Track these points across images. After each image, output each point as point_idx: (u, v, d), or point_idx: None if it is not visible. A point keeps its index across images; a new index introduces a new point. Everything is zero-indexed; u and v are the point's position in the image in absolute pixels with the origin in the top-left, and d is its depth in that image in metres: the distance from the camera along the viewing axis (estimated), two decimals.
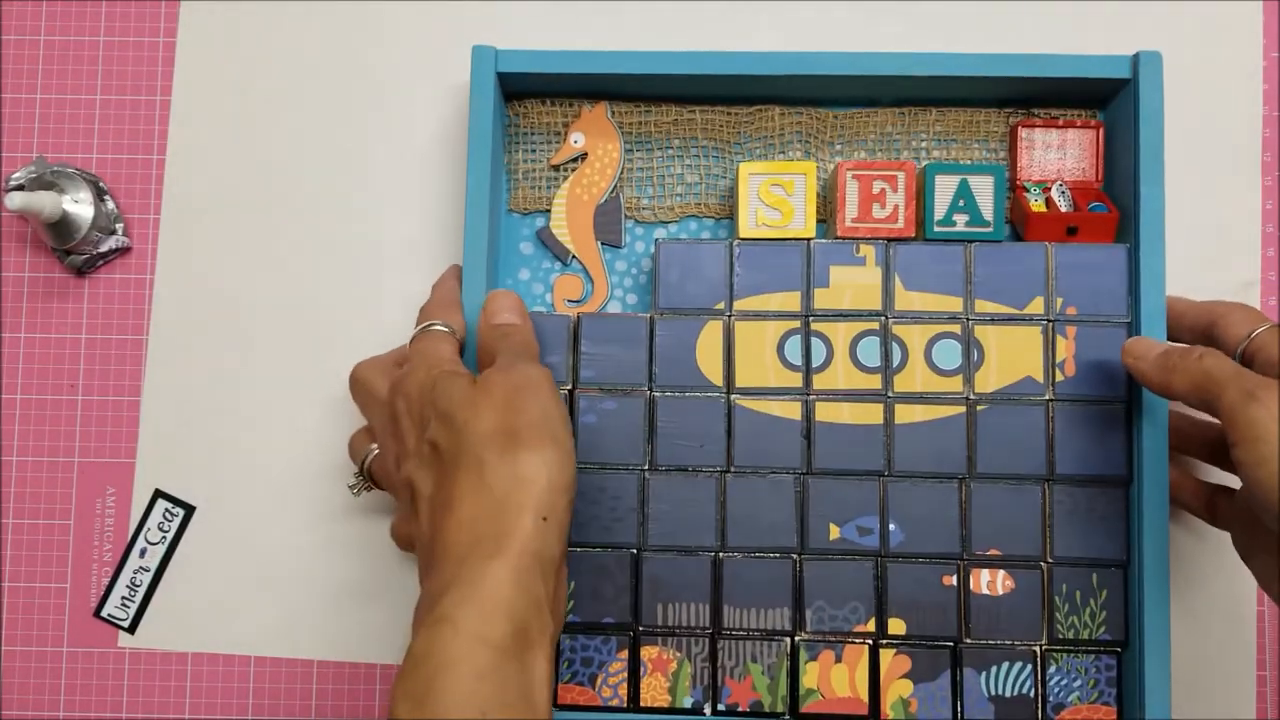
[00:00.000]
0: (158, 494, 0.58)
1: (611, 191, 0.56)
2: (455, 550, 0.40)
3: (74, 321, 0.59)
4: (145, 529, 0.58)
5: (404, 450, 0.45)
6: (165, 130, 0.60)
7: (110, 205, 0.58)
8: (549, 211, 0.56)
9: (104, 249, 0.58)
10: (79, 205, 0.56)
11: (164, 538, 0.58)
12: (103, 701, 0.57)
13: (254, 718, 0.57)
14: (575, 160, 0.56)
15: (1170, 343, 0.49)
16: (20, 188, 0.56)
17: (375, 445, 0.50)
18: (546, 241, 0.56)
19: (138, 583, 0.58)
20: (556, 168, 0.57)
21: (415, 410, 0.45)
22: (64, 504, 0.58)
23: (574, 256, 0.56)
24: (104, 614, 0.58)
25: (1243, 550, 0.49)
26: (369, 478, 0.51)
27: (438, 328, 0.49)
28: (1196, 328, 0.50)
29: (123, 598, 0.58)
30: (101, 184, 0.58)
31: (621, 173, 0.55)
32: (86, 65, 0.60)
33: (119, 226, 0.58)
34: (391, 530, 0.51)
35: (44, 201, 0.54)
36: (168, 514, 0.58)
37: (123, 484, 0.58)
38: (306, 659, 0.57)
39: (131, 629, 0.58)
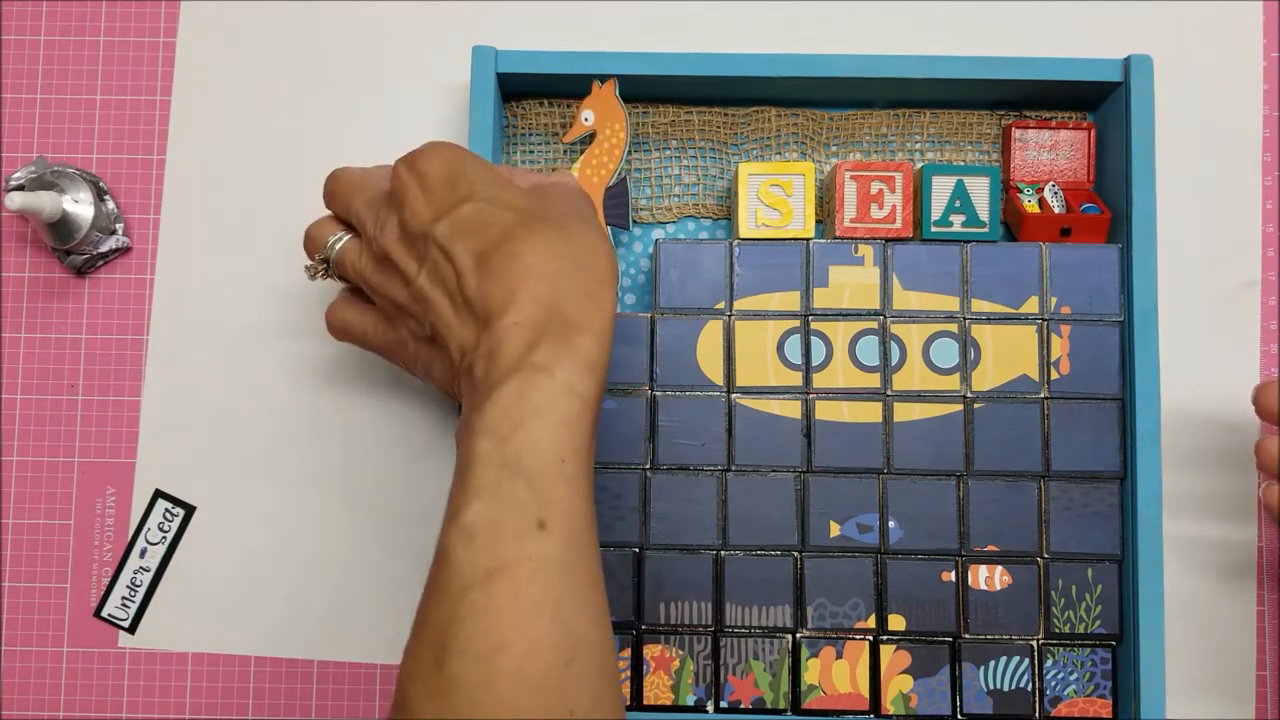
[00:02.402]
0: (158, 494, 0.58)
1: (620, 173, 0.55)
2: (542, 303, 0.40)
3: (74, 321, 0.59)
4: (145, 529, 0.58)
5: (415, 220, 0.43)
6: (165, 130, 0.60)
7: (110, 205, 0.58)
8: None
9: (104, 249, 0.58)
10: (79, 205, 0.56)
11: (164, 538, 0.58)
12: (103, 701, 0.57)
13: (254, 718, 0.57)
14: (582, 142, 0.56)
15: None
16: (20, 188, 0.56)
17: (342, 233, 0.48)
18: None
19: (138, 583, 0.58)
20: (569, 147, 0.57)
21: (440, 178, 0.44)
22: (64, 504, 0.58)
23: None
24: (104, 614, 0.58)
25: None
26: (331, 266, 0.48)
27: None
28: None
29: (123, 598, 0.58)
30: (101, 184, 0.58)
31: (630, 152, 0.54)
32: (86, 65, 0.60)
33: (119, 226, 0.58)
34: (330, 316, 0.50)
35: (44, 201, 0.54)
36: (168, 514, 0.58)
37: (123, 484, 0.58)
38: (306, 659, 0.57)
39: (132, 629, 0.58)
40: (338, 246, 0.48)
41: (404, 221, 0.44)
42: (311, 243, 0.49)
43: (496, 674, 0.35)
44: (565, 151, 0.58)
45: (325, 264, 0.48)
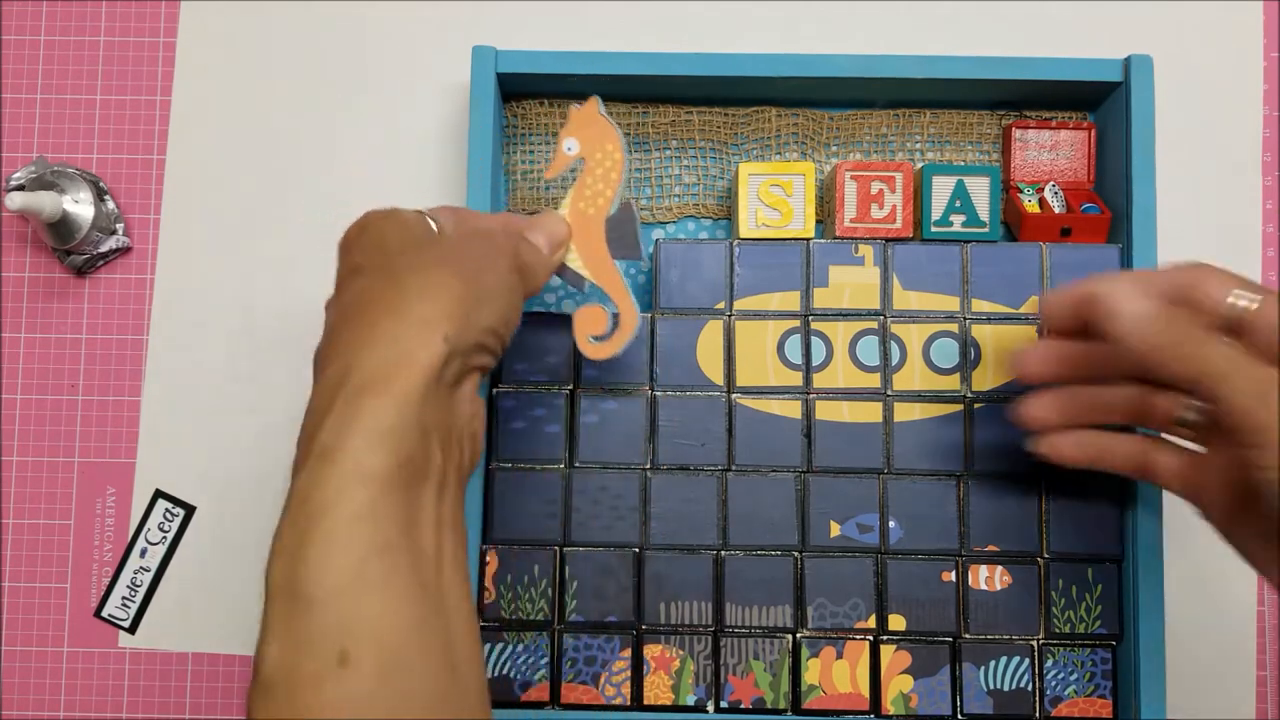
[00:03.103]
0: (158, 494, 0.58)
1: (620, 198, 0.47)
2: (342, 363, 0.36)
3: (74, 321, 0.59)
4: (145, 529, 0.58)
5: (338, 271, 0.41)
6: (165, 130, 0.60)
7: (110, 205, 0.58)
8: None
9: (104, 249, 0.58)
10: (79, 205, 0.56)
11: (164, 538, 0.58)
12: (103, 701, 0.57)
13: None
14: (573, 170, 0.48)
15: (1154, 293, 0.42)
16: (20, 188, 0.56)
17: None
18: (561, 275, 0.47)
19: (138, 583, 0.58)
20: (554, 182, 0.55)
21: (353, 239, 0.41)
22: (64, 504, 0.58)
23: (590, 282, 0.47)
24: (104, 614, 0.58)
25: (1224, 530, 0.44)
26: None
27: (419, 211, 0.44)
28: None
29: (123, 598, 0.58)
30: (102, 184, 0.58)
31: (630, 173, 0.49)
32: (86, 65, 0.60)
33: (119, 226, 0.58)
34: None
35: (44, 201, 0.54)
36: (168, 514, 0.58)
37: (123, 484, 0.58)
38: None
39: (132, 629, 0.58)
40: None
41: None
42: None
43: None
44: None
45: None
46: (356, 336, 0.36)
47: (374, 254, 0.39)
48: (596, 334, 0.47)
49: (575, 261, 0.47)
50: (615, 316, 0.47)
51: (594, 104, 0.47)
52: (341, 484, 0.33)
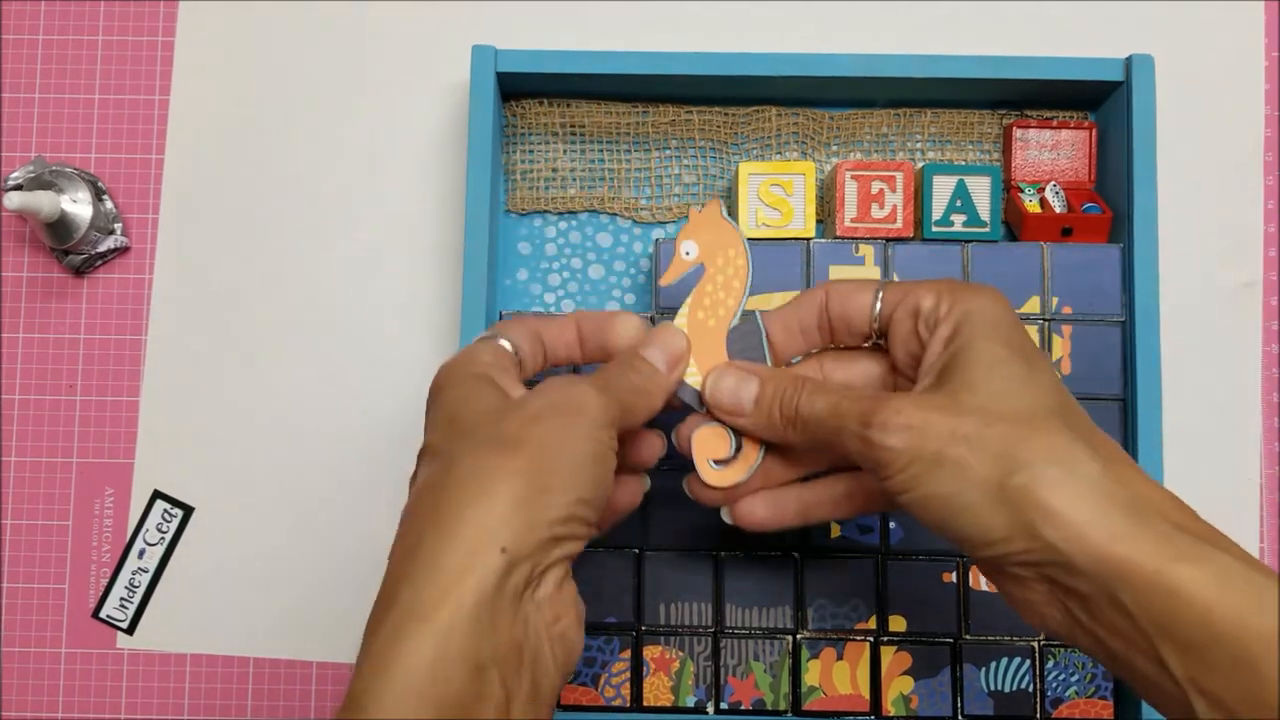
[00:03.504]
0: (156, 494, 0.58)
1: (743, 307, 0.43)
2: (382, 597, 0.33)
3: (73, 322, 0.59)
4: (144, 530, 0.58)
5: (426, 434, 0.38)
6: (164, 130, 0.60)
7: (109, 205, 0.58)
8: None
9: (103, 249, 0.57)
10: (77, 205, 0.56)
11: (163, 538, 0.58)
12: (101, 702, 0.57)
13: (253, 718, 0.57)
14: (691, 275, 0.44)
15: (756, 371, 0.41)
16: (19, 187, 0.56)
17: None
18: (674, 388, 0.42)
19: (136, 583, 0.58)
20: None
21: (431, 405, 0.38)
22: (63, 505, 0.58)
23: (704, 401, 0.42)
24: (103, 615, 0.58)
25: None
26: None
27: (494, 340, 0.41)
28: (805, 325, 0.43)
29: (121, 599, 0.58)
30: (100, 184, 0.58)
31: (751, 279, 0.43)
32: (86, 65, 0.60)
33: (117, 226, 0.58)
34: None
35: (42, 201, 0.54)
36: (166, 515, 0.58)
37: (121, 485, 0.58)
38: (305, 659, 0.57)
39: (130, 630, 0.58)
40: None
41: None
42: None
43: None
44: (580, 178, 0.57)
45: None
46: (403, 555, 0.33)
47: (443, 430, 0.36)
48: (718, 458, 0.43)
49: (694, 378, 0.42)
50: (738, 437, 0.42)
51: (716, 206, 0.43)
52: None
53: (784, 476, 0.43)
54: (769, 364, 0.42)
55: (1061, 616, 0.35)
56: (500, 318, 0.54)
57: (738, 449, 0.42)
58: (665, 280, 0.43)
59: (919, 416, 0.35)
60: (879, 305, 0.40)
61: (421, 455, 0.37)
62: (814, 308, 0.42)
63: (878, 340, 0.42)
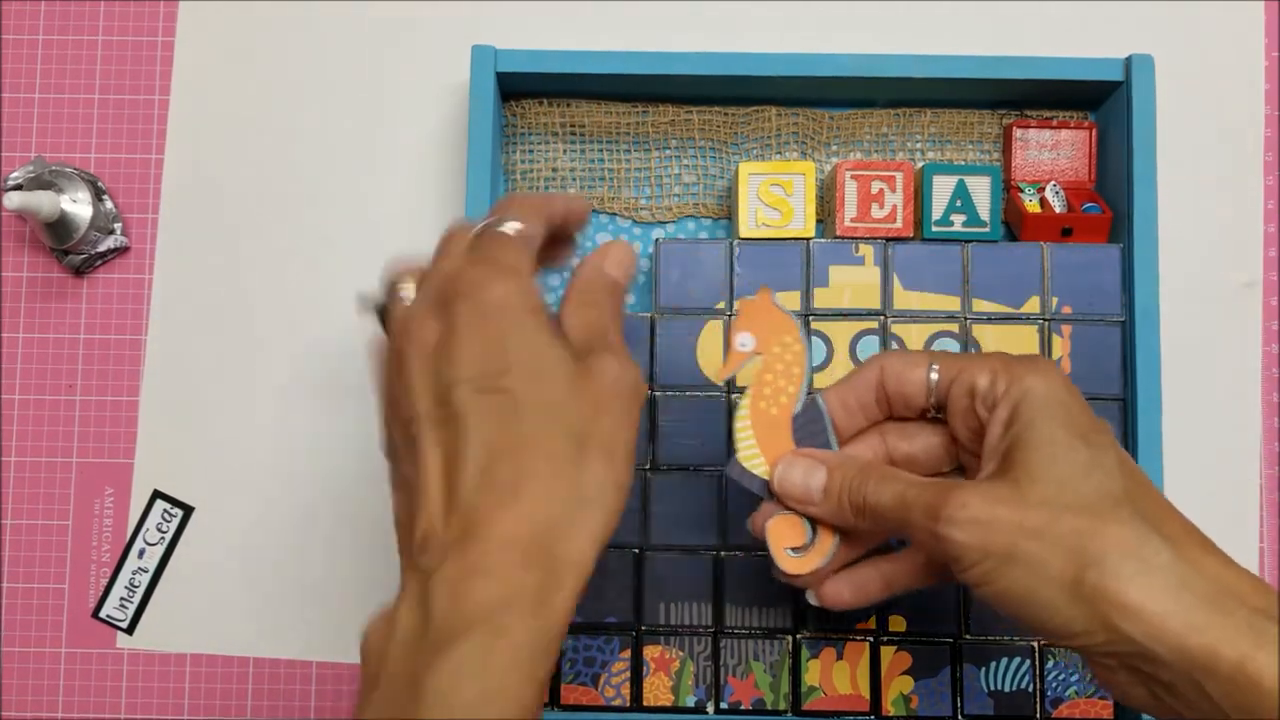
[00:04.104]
0: (156, 494, 0.58)
1: (804, 392, 0.42)
2: (502, 555, 0.32)
3: (73, 321, 0.59)
4: (144, 530, 0.58)
5: (454, 366, 0.34)
6: (164, 130, 0.60)
7: (109, 205, 0.58)
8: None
9: (102, 249, 0.57)
10: (77, 205, 0.56)
11: (163, 538, 0.58)
12: (101, 702, 0.57)
13: (253, 718, 0.57)
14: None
15: (824, 459, 0.41)
16: (19, 187, 0.56)
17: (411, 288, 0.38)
18: (739, 479, 0.43)
19: (136, 583, 0.58)
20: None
21: (497, 330, 0.34)
22: (63, 504, 0.58)
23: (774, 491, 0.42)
24: (102, 615, 0.58)
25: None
26: (381, 316, 0.39)
27: (512, 226, 0.37)
28: (864, 401, 0.42)
29: (121, 598, 0.58)
30: (100, 184, 0.58)
31: (811, 368, 0.43)
32: (86, 65, 0.60)
33: (117, 226, 0.58)
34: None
35: (42, 201, 0.54)
36: (166, 515, 0.58)
37: (121, 484, 0.58)
38: (305, 659, 0.57)
39: (130, 630, 0.58)
40: (402, 295, 0.38)
41: (447, 351, 0.34)
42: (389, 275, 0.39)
43: None
44: (580, 178, 0.57)
45: (377, 309, 0.40)
46: (523, 519, 0.32)
47: (540, 388, 0.34)
48: (794, 546, 0.42)
49: (761, 469, 0.42)
50: (813, 526, 0.42)
51: (766, 295, 0.43)
52: (508, 666, 0.31)
53: (860, 549, 0.43)
54: (834, 447, 0.42)
55: (1148, 697, 0.35)
56: None
57: (813, 534, 0.42)
58: (721, 376, 0.43)
59: (986, 510, 0.35)
60: (933, 380, 0.40)
61: (504, 398, 0.34)
62: (869, 385, 0.42)
63: (936, 413, 0.42)
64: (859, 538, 0.43)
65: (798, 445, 0.42)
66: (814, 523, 0.42)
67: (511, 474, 0.33)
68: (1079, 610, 0.34)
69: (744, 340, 0.42)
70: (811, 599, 0.44)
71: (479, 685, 0.31)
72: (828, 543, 0.42)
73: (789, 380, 0.42)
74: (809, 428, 0.42)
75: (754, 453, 0.42)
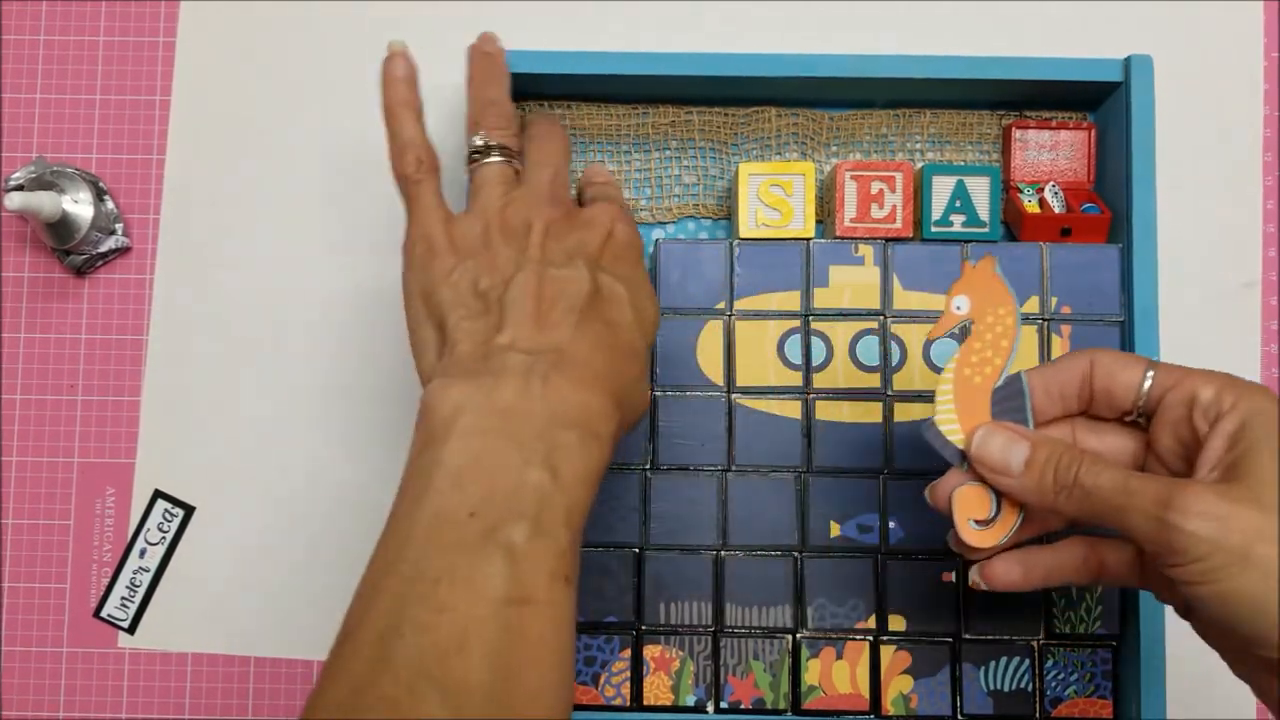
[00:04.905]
0: (157, 494, 0.58)
1: (1010, 367, 0.42)
2: (596, 385, 0.40)
3: (74, 322, 0.59)
4: (145, 529, 0.58)
5: (588, 241, 0.43)
6: (165, 130, 0.60)
7: (110, 205, 0.58)
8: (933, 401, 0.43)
9: (104, 249, 0.58)
10: (78, 205, 0.56)
11: (164, 538, 0.58)
12: (102, 702, 0.57)
13: (254, 718, 0.57)
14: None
15: (1025, 433, 0.41)
16: (20, 188, 0.56)
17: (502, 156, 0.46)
18: (933, 442, 0.43)
19: (137, 583, 0.58)
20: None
21: (629, 247, 0.44)
22: (64, 504, 0.58)
23: (968, 458, 0.42)
24: (104, 614, 0.58)
25: (1183, 614, 0.43)
26: (466, 162, 0.47)
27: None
28: (1066, 390, 0.43)
29: (122, 598, 0.58)
30: (101, 184, 0.58)
31: (1017, 347, 0.43)
32: (86, 65, 0.60)
33: (119, 226, 0.58)
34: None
35: (43, 201, 0.54)
36: (167, 514, 0.58)
37: (122, 484, 0.58)
38: (306, 659, 0.57)
39: (131, 629, 0.58)
40: (491, 160, 0.46)
41: (586, 240, 0.43)
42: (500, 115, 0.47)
43: (515, 694, 0.34)
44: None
45: (475, 151, 0.46)
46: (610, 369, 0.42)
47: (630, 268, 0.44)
48: (979, 518, 0.42)
49: (954, 433, 0.42)
50: (998, 499, 0.42)
51: (990, 263, 0.43)
52: (602, 462, 0.40)
53: (1030, 534, 0.43)
54: (1031, 426, 0.42)
55: None
56: None
57: (997, 510, 0.42)
58: (933, 335, 0.43)
59: (1223, 507, 0.35)
60: (1147, 385, 0.40)
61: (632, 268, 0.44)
62: (1077, 376, 0.42)
63: (1137, 418, 0.41)
64: (1033, 521, 0.42)
65: (994, 418, 0.42)
66: (999, 498, 0.42)
67: (609, 339, 0.41)
68: None
69: (960, 303, 0.43)
70: (974, 576, 0.43)
71: (582, 467, 0.38)
72: (1011, 519, 0.42)
73: (996, 352, 0.42)
74: (1008, 403, 0.42)
75: (951, 418, 0.42)
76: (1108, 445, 0.42)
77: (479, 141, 0.46)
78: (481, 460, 0.37)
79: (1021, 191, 0.55)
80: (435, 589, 0.35)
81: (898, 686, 0.52)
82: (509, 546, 0.36)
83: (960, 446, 0.42)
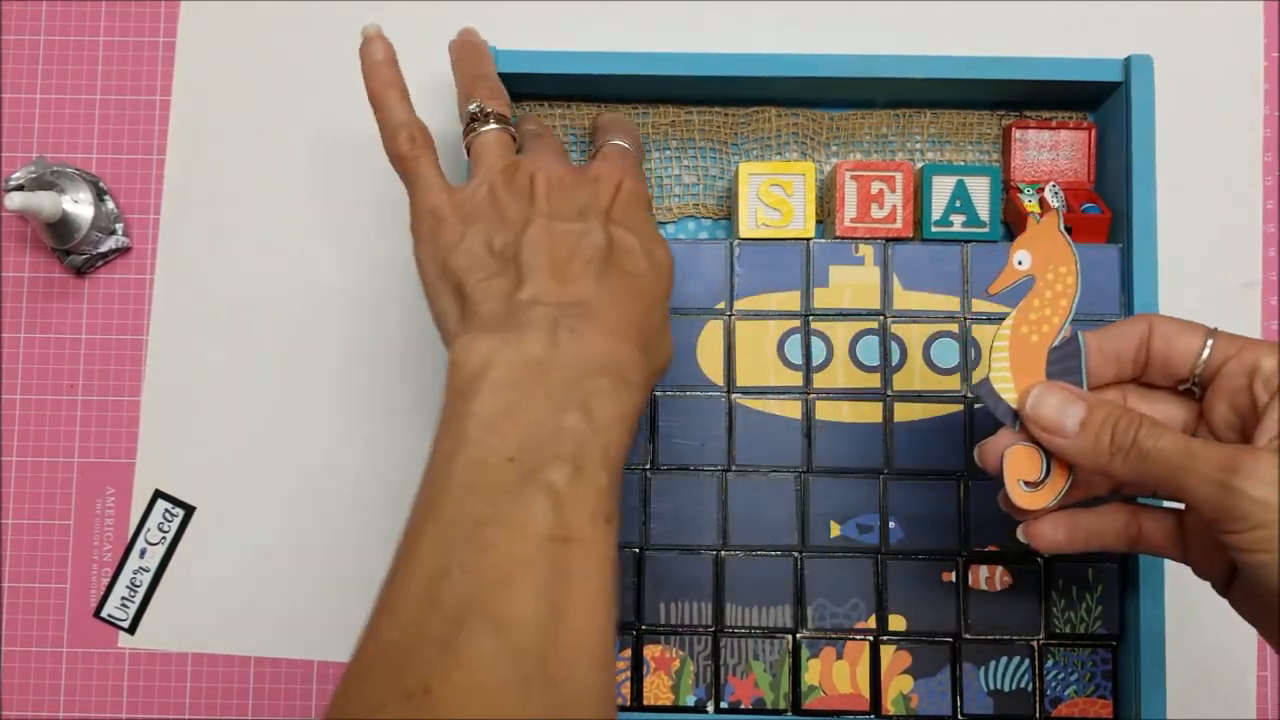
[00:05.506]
0: (157, 494, 0.58)
1: (1067, 327, 0.42)
2: (625, 336, 0.40)
3: (74, 322, 0.59)
4: (145, 529, 0.58)
5: (600, 197, 0.44)
6: (165, 130, 0.60)
7: (110, 205, 0.58)
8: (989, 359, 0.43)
9: (104, 249, 0.58)
10: (79, 205, 0.56)
11: (164, 538, 0.58)
12: (103, 702, 0.57)
13: (254, 718, 0.57)
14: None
15: (1081, 395, 0.40)
16: (20, 188, 0.56)
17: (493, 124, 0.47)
18: (986, 400, 0.42)
19: (138, 583, 0.58)
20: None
21: (642, 203, 0.45)
22: (64, 504, 0.58)
23: (1017, 416, 0.42)
24: (104, 614, 0.58)
25: (1220, 589, 0.43)
26: (464, 132, 0.47)
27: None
28: (1122, 354, 0.42)
29: (122, 598, 0.58)
30: (101, 184, 0.58)
31: (1078, 300, 0.42)
32: (86, 65, 0.60)
33: (119, 226, 0.58)
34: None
35: (43, 201, 0.54)
36: (168, 514, 0.58)
37: (123, 484, 0.58)
38: (306, 659, 0.57)
39: (131, 629, 0.58)
40: (488, 128, 0.46)
41: (596, 195, 0.44)
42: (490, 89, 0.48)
43: (563, 630, 0.34)
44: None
45: (472, 119, 0.47)
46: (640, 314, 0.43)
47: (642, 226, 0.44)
48: (1029, 479, 0.42)
49: (1008, 391, 0.42)
50: (1048, 460, 0.41)
51: (1053, 219, 0.42)
52: (636, 408, 0.40)
53: (1077, 496, 0.43)
54: (1085, 388, 0.41)
55: None
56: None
57: (1047, 471, 0.42)
58: (994, 289, 0.43)
59: None
60: (1206, 353, 0.40)
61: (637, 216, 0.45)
62: (1135, 340, 0.41)
63: (1191, 386, 0.41)
64: (1080, 485, 0.42)
65: (1049, 378, 0.41)
66: (1049, 459, 0.41)
67: (631, 288, 0.42)
68: None
69: (1021, 258, 0.42)
70: (1021, 535, 0.43)
71: (616, 410, 0.38)
72: (1060, 481, 0.41)
73: (1055, 311, 0.42)
74: (1064, 363, 0.41)
75: (1005, 376, 0.42)
76: (1159, 412, 0.42)
77: (474, 108, 0.46)
78: (514, 409, 0.37)
79: (1021, 191, 0.55)
80: (479, 531, 0.35)
81: (898, 686, 0.52)
82: (549, 487, 0.36)
83: (1014, 405, 0.41)
